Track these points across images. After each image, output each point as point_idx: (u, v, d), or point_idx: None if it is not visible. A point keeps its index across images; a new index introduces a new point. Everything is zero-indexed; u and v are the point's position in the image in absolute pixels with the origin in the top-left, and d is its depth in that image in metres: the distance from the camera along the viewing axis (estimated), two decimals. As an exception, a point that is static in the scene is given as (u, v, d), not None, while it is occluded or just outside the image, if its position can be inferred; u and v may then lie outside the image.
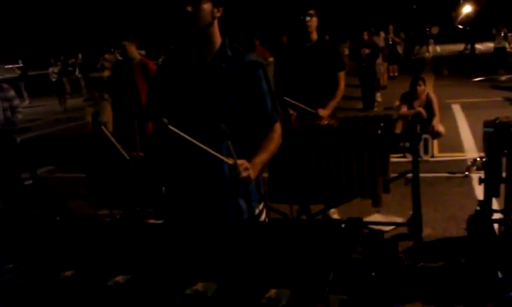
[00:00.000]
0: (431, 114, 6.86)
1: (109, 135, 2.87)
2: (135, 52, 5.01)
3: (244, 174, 2.11)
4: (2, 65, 20.11)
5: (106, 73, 15.51)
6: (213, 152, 2.11)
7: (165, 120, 2.05)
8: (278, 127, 2.35)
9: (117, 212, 4.71)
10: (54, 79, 16.99)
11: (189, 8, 2.11)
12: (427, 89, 7.68)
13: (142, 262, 1.72)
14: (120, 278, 1.61)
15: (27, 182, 5.23)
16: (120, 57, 16.04)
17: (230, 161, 2.11)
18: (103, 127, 2.96)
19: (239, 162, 2.11)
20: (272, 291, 1.40)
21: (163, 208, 3.89)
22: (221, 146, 2.18)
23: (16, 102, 5.14)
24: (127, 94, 4.95)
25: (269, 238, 1.84)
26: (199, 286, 1.48)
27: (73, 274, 1.66)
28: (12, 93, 5.09)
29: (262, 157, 2.24)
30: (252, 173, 2.14)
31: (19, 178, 5.08)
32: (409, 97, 7.02)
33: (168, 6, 2.23)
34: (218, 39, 2.26)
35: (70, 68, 19.11)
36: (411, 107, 6.93)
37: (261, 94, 2.28)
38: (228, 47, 2.28)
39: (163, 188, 3.73)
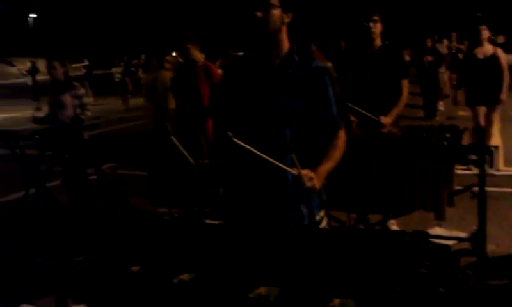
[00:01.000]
0: None
1: (177, 144, 2.93)
2: (198, 55, 5.11)
3: (308, 184, 2.11)
4: (69, 64, 21.09)
5: (169, 74, 16.42)
6: (277, 163, 2.12)
7: (230, 133, 2.08)
8: (342, 134, 2.34)
9: (176, 210, 4.81)
10: (117, 79, 17.59)
11: (259, 14, 2.13)
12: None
13: (205, 262, 1.75)
14: (185, 276, 1.65)
15: (91, 177, 5.44)
16: (180, 60, 16.49)
17: (295, 171, 2.11)
18: (173, 137, 3.03)
19: (304, 172, 2.11)
20: (336, 301, 1.40)
21: (220, 209, 3.94)
22: (285, 155, 2.18)
23: (86, 99, 5.37)
24: (189, 96, 5.06)
25: (330, 246, 1.83)
26: (262, 290, 1.50)
27: (140, 270, 1.72)
28: (82, 91, 5.32)
29: (327, 166, 2.23)
30: (317, 183, 2.14)
31: (85, 173, 5.29)
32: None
33: (238, 11, 2.26)
34: (286, 45, 2.27)
35: (132, 69, 19.71)
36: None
37: (327, 101, 2.27)
38: (296, 53, 2.29)
39: (221, 190, 3.79)
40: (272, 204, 2.29)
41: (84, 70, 19.25)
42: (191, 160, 2.98)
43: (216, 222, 3.61)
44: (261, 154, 2.11)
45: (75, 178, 5.17)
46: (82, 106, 5.29)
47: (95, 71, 21.14)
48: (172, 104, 8.95)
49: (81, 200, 5.08)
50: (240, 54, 12.44)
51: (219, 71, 5.24)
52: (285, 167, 2.13)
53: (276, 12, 2.16)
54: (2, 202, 6.09)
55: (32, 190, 5.29)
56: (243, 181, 2.37)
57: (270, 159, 2.11)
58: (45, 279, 1.91)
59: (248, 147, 2.11)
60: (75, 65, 19.30)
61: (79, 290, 1.80)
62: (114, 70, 18.02)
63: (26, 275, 1.99)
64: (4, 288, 2.36)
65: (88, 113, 5.39)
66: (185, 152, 2.98)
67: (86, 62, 19.00)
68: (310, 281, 1.53)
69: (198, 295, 1.53)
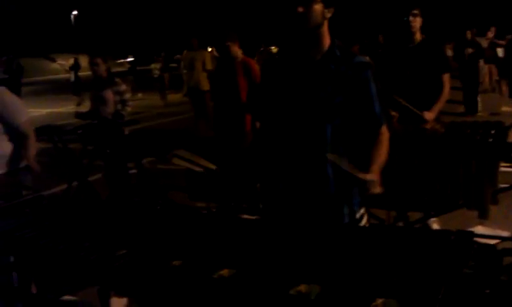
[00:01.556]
0: None
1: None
2: (238, 51, 5.14)
3: (375, 190, 2.10)
4: (113, 60, 21.38)
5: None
6: (350, 170, 2.09)
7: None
8: (385, 131, 2.30)
9: (213, 205, 4.85)
10: (155, 75, 17.87)
11: (301, 9, 2.12)
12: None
13: (245, 258, 1.75)
14: (224, 272, 1.65)
15: (131, 171, 5.55)
16: (215, 54, 16.69)
17: (361, 176, 2.09)
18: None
19: (369, 176, 2.09)
20: (379, 301, 1.37)
21: (258, 205, 3.95)
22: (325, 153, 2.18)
23: (127, 95, 5.46)
24: (228, 92, 5.09)
25: (371, 244, 1.80)
26: (302, 288, 1.49)
27: (181, 264, 1.74)
28: (123, 87, 5.42)
29: (378, 165, 2.20)
30: (380, 188, 2.12)
31: (125, 168, 5.40)
32: None
33: (279, 6, 2.26)
34: (327, 40, 2.24)
35: (173, 64, 19.94)
36: None
37: (370, 97, 2.24)
38: (337, 48, 2.26)
39: (258, 185, 3.80)
40: (313, 201, 2.28)
41: (128, 66, 19.59)
42: (212, 166, 2.97)
43: (253, 217, 3.63)
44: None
45: (115, 172, 5.27)
46: (123, 102, 5.39)
47: (138, 67, 21.45)
48: (206, 86, 9.15)
49: (122, 194, 5.18)
50: (273, 48, 12.45)
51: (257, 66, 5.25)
52: (356, 174, 2.10)
53: (318, 7, 2.14)
54: (46, 195, 6.28)
55: (74, 184, 5.44)
56: (283, 177, 2.37)
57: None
58: (87, 272, 1.96)
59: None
60: (120, 61, 19.67)
61: (121, 284, 1.83)
62: (153, 65, 18.29)
63: (69, 267, 2.05)
64: (48, 280, 2.43)
65: (129, 109, 5.48)
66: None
67: (131, 58, 19.35)
68: (351, 279, 1.51)
69: (237, 291, 1.54)
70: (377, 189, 2.10)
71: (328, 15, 2.21)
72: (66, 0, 48.65)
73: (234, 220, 2.29)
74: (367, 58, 2.76)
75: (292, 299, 1.43)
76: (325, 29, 2.23)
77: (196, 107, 9.81)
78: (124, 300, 2.16)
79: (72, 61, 20.55)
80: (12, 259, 2.36)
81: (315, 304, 1.41)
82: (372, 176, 2.11)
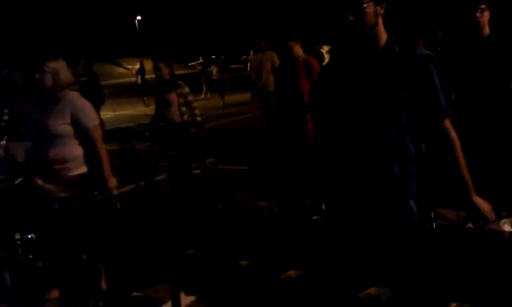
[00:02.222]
0: None
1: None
2: (300, 50, 5.14)
3: (489, 219, 2.18)
4: (185, 63, 21.69)
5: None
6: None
7: None
8: (449, 124, 2.23)
9: (275, 205, 4.86)
10: (215, 77, 18.21)
11: (351, 17, 2.10)
12: None
13: (312, 258, 1.75)
14: (292, 272, 1.66)
15: (195, 172, 5.67)
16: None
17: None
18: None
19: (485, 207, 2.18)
20: (453, 305, 1.33)
21: (320, 205, 3.93)
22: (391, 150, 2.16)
23: (190, 97, 5.57)
24: (290, 92, 5.10)
25: (441, 246, 1.75)
26: (372, 291, 1.47)
27: (248, 264, 1.76)
28: (187, 89, 5.52)
29: (466, 175, 2.23)
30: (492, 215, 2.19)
31: (190, 168, 5.52)
32: None
33: (330, 17, 2.25)
34: (384, 36, 2.20)
35: (234, 65, 20.21)
36: None
37: (434, 89, 2.18)
38: (395, 43, 2.21)
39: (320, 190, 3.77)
40: (379, 202, 2.24)
41: (199, 67, 19.91)
42: None
43: (316, 217, 3.60)
44: None
45: (180, 172, 5.41)
46: (188, 104, 5.50)
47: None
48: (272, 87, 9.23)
49: (186, 194, 5.31)
50: (325, 47, 12.39)
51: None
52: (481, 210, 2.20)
53: (369, 8, 2.11)
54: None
55: (141, 184, 5.63)
56: (346, 179, 2.35)
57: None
58: (157, 270, 2.03)
59: None
60: (191, 63, 20.08)
61: (190, 282, 1.88)
62: (212, 67, 18.65)
63: (139, 265, 2.12)
64: (117, 276, 2.53)
65: (198, 112, 5.58)
66: None
67: (201, 60, 19.68)
68: (422, 283, 1.47)
69: (305, 293, 1.54)
70: (491, 217, 2.21)
71: (381, 12, 2.16)
72: (131, 6, 50.45)
73: (298, 220, 2.29)
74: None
75: (362, 302, 1.42)
76: (380, 26, 2.18)
77: (264, 107, 9.94)
78: (193, 299, 2.21)
79: (138, 65, 21.27)
80: (84, 257, 2.47)
81: (385, 307, 1.39)
82: (485, 205, 2.19)
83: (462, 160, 2.21)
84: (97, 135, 3.49)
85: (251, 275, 1.68)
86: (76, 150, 3.48)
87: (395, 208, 2.22)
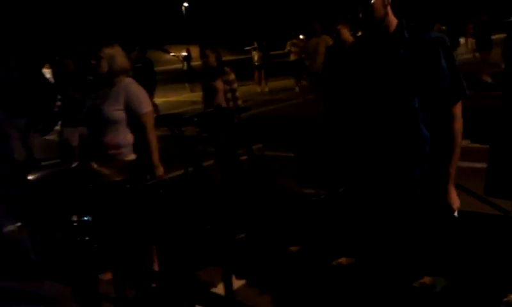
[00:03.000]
0: None
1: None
2: (348, 35, 5.06)
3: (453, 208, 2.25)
4: (240, 48, 21.54)
5: (292, 57, 17.01)
6: None
7: None
8: (458, 107, 2.23)
9: (322, 192, 4.84)
10: (256, 63, 18.24)
11: (360, 15, 2.20)
12: None
13: (363, 246, 1.74)
14: (343, 260, 1.65)
15: (242, 158, 5.71)
16: (299, 38, 16.61)
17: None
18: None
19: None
20: (511, 297, 1.29)
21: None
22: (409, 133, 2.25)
23: (235, 85, 5.59)
24: (337, 76, 5.03)
25: (496, 236, 1.69)
26: (426, 280, 1.44)
27: (299, 250, 1.77)
28: (232, 76, 5.55)
29: (452, 170, 2.24)
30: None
31: (236, 154, 5.57)
32: None
33: (341, 10, 2.36)
34: (393, 23, 2.27)
35: (275, 52, 20.18)
36: None
37: (440, 70, 2.19)
38: (406, 29, 2.25)
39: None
40: (399, 182, 2.30)
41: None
42: None
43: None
44: None
45: (227, 158, 5.46)
46: (233, 91, 5.53)
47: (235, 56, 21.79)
48: None
49: (233, 179, 5.36)
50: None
51: None
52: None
53: (377, 2, 2.18)
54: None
55: (190, 169, 5.72)
56: (364, 157, 2.40)
57: None
58: (208, 253, 2.06)
59: None
60: (247, 48, 20.13)
61: (241, 266, 1.91)
62: (253, 53, 18.69)
63: (190, 248, 2.17)
64: (169, 260, 2.59)
65: (239, 102, 5.61)
66: None
67: (256, 45, 19.70)
68: (478, 273, 1.44)
69: (357, 281, 1.53)
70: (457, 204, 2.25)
71: (389, 1, 2.23)
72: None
73: (345, 208, 2.28)
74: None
75: (416, 291, 1.40)
76: (390, 15, 2.25)
77: (318, 92, 9.90)
78: (243, 282, 2.24)
79: (184, 52, 21.51)
80: (137, 239, 2.54)
81: (441, 297, 1.36)
82: (455, 198, 2.24)
83: (455, 155, 2.23)
84: (149, 122, 3.52)
85: (301, 261, 1.69)
86: (129, 136, 3.52)
87: (414, 190, 2.27)
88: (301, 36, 17.58)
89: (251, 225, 2.08)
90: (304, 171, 4.55)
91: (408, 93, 2.22)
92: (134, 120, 3.49)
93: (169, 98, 15.64)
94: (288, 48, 17.21)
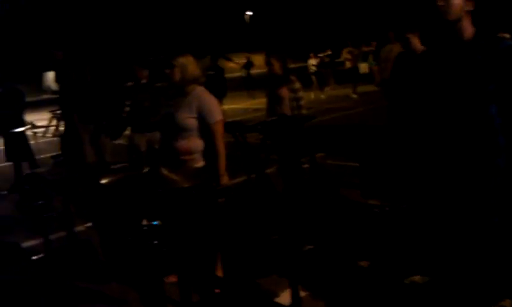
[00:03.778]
0: None
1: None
2: (418, 44, 4.92)
3: None
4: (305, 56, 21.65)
5: (348, 65, 17.36)
6: None
7: None
8: None
9: (387, 204, 4.72)
10: (312, 71, 18.26)
11: (441, 2, 2.21)
12: None
13: (436, 264, 1.67)
14: (417, 278, 1.60)
15: (304, 166, 5.67)
16: (350, 51, 16.65)
17: None
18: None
19: None
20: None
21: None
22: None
23: (300, 93, 5.57)
24: (405, 86, 4.90)
25: None
26: (507, 303, 1.36)
27: (369, 265, 1.73)
28: (298, 84, 5.52)
29: None
30: None
31: (299, 162, 5.54)
32: None
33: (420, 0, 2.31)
34: (469, 31, 2.28)
35: (339, 59, 20.15)
36: None
37: None
38: (482, 37, 2.26)
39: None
40: (473, 192, 2.22)
41: (327, 60, 20.00)
42: None
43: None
44: None
45: (290, 166, 5.44)
46: (297, 100, 5.50)
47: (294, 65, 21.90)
48: None
49: (296, 188, 5.33)
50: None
51: None
52: None
53: (457, 1, 2.22)
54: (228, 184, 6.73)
55: (252, 176, 5.75)
56: (435, 168, 2.36)
57: None
58: (274, 262, 2.06)
59: None
60: (320, 55, 20.34)
61: (308, 278, 1.89)
62: (309, 62, 18.71)
63: (255, 256, 2.17)
64: (234, 264, 2.60)
65: (303, 111, 5.58)
66: None
67: (329, 52, 19.79)
68: None
69: (433, 302, 1.47)
70: None
71: (469, 8, 2.26)
72: (240, 2, 51.83)
73: (404, 220, 2.20)
74: None
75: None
76: (466, 21, 2.27)
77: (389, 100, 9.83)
78: (308, 294, 2.21)
79: (244, 59, 21.82)
80: (202, 245, 2.58)
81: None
82: None
83: None
84: (219, 131, 3.60)
85: (372, 277, 1.65)
86: (200, 143, 3.62)
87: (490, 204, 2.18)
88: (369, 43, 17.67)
89: (316, 236, 2.06)
90: (369, 182, 4.45)
91: (486, 100, 2.22)
92: (205, 128, 3.59)
93: (231, 106, 15.82)
94: (345, 56, 17.50)
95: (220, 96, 12.99)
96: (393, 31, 9.51)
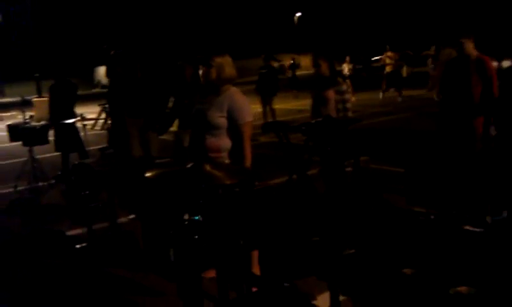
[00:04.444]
0: None
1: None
2: (472, 49, 4.77)
3: None
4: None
5: (388, 69, 17.26)
6: None
7: None
8: None
9: (433, 212, 4.58)
10: (346, 74, 18.16)
11: None
12: None
13: (483, 276, 1.60)
14: (463, 289, 1.53)
15: (347, 169, 5.59)
16: (388, 55, 16.42)
17: None
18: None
19: None
20: None
21: (484, 217, 3.61)
22: None
23: (347, 95, 5.50)
24: (459, 90, 4.76)
25: None
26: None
27: (413, 273, 1.67)
28: (344, 86, 5.47)
29: None
30: None
31: (343, 165, 5.47)
32: None
33: None
34: None
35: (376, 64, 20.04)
36: None
37: None
38: None
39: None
40: None
41: (400, 61, 19.74)
42: None
43: (477, 230, 3.31)
44: None
45: (333, 169, 5.37)
46: (343, 102, 5.44)
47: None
48: None
49: (338, 191, 5.26)
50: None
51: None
52: None
53: None
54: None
55: (294, 177, 5.72)
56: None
57: None
58: (314, 265, 2.02)
59: None
60: (376, 57, 20.19)
61: (349, 283, 1.84)
62: (343, 66, 18.52)
63: (294, 257, 2.14)
64: (271, 264, 2.58)
65: (350, 114, 5.51)
66: None
67: (389, 53, 19.57)
68: None
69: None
70: None
71: None
72: (289, 3, 51.81)
73: (451, 229, 2.12)
74: None
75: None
76: None
77: None
78: (347, 298, 2.17)
79: (290, 60, 21.92)
80: (241, 242, 2.56)
81: None
82: None
83: None
84: (247, 132, 3.64)
85: (416, 286, 1.59)
86: (228, 142, 3.67)
87: None
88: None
89: (358, 240, 2.01)
90: (415, 189, 4.33)
91: None
92: (234, 128, 3.63)
93: (275, 106, 15.84)
94: (386, 59, 17.57)
95: (272, 94, 13.12)
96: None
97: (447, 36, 9.65)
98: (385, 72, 17.65)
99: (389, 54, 17.57)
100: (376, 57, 19.52)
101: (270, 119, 13.15)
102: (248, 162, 3.66)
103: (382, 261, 1.80)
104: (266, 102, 13.48)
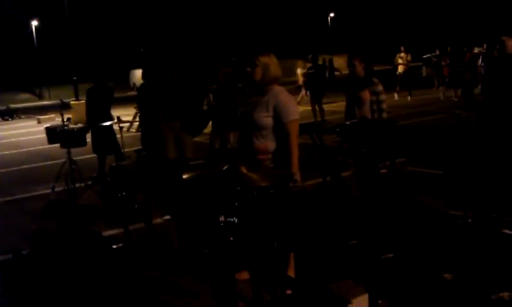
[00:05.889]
0: None
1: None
2: (514, 47, 4.64)
3: None
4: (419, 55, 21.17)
5: (400, 69, 17.46)
6: None
7: None
8: None
9: (471, 215, 4.47)
10: (398, 73, 17.93)
11: None
12: None
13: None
14: (505, 295, 1.49)
15: (382, 171, 5.51)
16: (401, 55, 16.15)
17: None
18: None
19: None
20: None
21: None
22: None
23: (383, 96, 5.42)
24: (501, 90, 4.63)
25: None
26: None
27: (453, 278, 1.63)
28: (380, 87, 5.38)
29: None
30: None
31: (377, 167, 5.39)
32: None
33: None
34: None
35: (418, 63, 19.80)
36: None
37: None
38: None
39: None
40: None
41: (434, 59, 19.45)
42: None
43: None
44: None
45: (367, 171, 5.31)
46: (379, 102, 5.36)
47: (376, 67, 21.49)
48: None
49: (372, 193, 5.19)
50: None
51: None
52: None
53: None
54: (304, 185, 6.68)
55: (328, 179, 5.67)
56: None
57: None
58: (350, 269, 2.00)
59: None
60: (426, 56, 20.03)
61: (387, 288, 1.81)
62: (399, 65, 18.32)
63: (329, 260, 2.12)
64: (306, 269, 2.57)
65: (384, 115, 5.42)
66: None
67: (437, 52, 19.27)
68: None
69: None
70: None
71: None
72: (323, 3, 51.59)
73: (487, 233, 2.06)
74: None
75: None
76: None
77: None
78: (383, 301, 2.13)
79: (320, 61, 21.84)
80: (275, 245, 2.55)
81: None
82: None
83: None
84: (293, 130, 3.57)
85: (457, 291, 1.55)
86: (274, 143, 3.60)
87: None
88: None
89: (396, 244, 1.97)
90: (453, 191, 4.24)
91: None
92: (280, 127, 3.57)
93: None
94: (398, 60, 17.75)
95: (320, 94, 13.15)
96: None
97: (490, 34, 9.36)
98: (398, 73, 17.90)
99: (402, 55, 17.75)
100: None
101: (319, 119, 13.21)
102: (296, 160, 3.57)
103: (420, 266, 1.76)
104: (315, 100, 13.51)
